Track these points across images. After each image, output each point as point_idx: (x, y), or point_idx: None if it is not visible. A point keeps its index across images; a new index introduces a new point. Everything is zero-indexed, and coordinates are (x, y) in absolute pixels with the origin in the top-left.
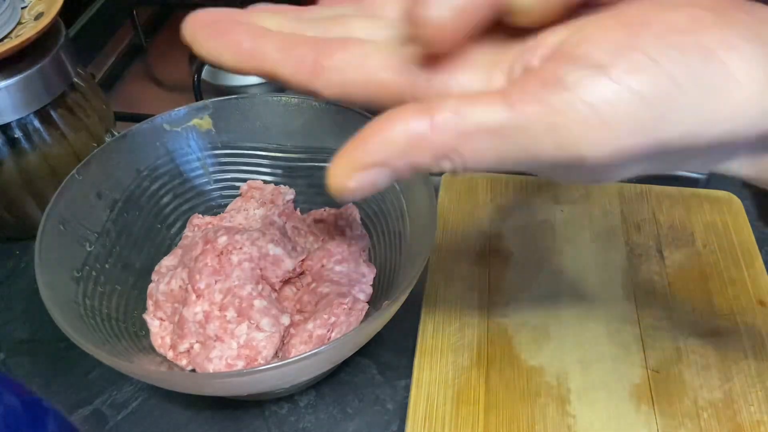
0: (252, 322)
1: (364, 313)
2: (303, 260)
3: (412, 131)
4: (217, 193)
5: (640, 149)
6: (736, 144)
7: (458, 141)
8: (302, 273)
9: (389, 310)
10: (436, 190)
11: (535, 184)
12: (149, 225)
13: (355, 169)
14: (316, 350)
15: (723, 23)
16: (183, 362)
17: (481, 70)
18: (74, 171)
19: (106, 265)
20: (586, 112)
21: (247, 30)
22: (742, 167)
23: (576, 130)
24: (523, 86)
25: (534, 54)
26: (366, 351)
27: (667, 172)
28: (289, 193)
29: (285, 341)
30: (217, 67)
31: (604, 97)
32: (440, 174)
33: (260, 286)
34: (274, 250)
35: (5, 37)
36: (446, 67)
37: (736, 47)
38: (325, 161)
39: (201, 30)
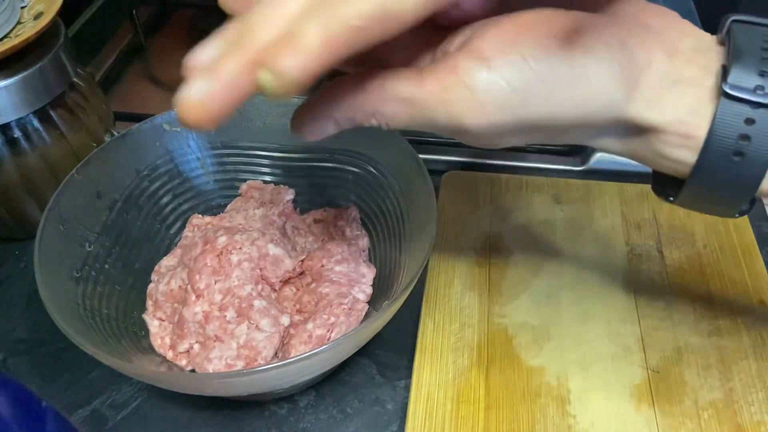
0: (252, 322)
1: (364, 313)
2: (303, 260)
3: (349, 94)
4: (216, 193)
5: (508, 125)
6: (594, 126)
7: (380, 104)
8: (302, 273)
9: (389, 310)
10: (436, 190)
11: (535, 184)
12: (149, 225)
13: (308, 118)
14: (316, 350)
15: (595, 29)
16: (183, 362)
17: (417, 50)
18: (74, 171)
19: (106, 265)
20: (467, 93)
21: None
22: (611, 145)
23: (459, 106)
24: (432, 67)
25: (452, 43)
26: (366, 351)
27: (549, 143)
28: (289, 193)
29: (285, 341)
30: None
31: (481, 83)
32: (441, 174)
33: (260, 286)
34: (274, 250)
35: (5, 36)
36: (389, 45)
37: (594, 51)
38: (325, 161)
39: None
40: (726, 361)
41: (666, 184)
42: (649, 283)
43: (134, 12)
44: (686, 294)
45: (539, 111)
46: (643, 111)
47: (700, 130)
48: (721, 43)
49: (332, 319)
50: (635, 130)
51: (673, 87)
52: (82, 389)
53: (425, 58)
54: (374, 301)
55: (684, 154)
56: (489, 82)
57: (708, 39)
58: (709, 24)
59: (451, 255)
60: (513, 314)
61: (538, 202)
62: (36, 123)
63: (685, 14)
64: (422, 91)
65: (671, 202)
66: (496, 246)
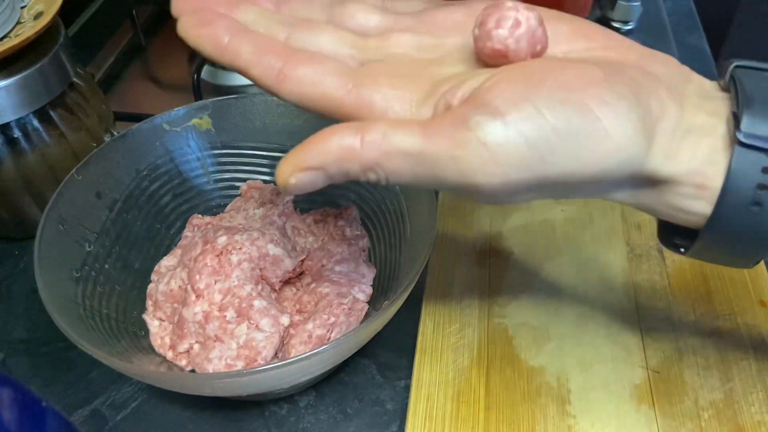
0: (252, 322)
1: (363, 313)
2: (303, 260)
3: (346, 145)
4: (216, 193)
5: (524, 182)
6: (610, 182)
7: (381, 158)
8: (302, 273)
9: (389, 310)
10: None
11: None
12: (149, 225)
13: (296, 169)
14: (315, 350)
15: (608, 82)
16: (183, 362)
17: (415, 103)
18: (74, 171)
19: (106, 265)
20: (481, 150)
21: (227, 25)
22: (622, 198)
23: (473, 163)
24: (439, 121)
25: (455, 95)
26: (366, 351)
27: (560, 199)
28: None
29: (285, 341)
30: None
31: (496, 139)
32: None
33: (260, 286)
34: (273, 250)
35: (4, 36)
36: (385, 96)
37: (611, 105)
38: None
39: (187, 16)
40: (726, 361)
41: (675, 234)
42: (649, 283)
43: (134, 12)
44: (686, 294)
45: (557, 168)
46: (660, 164)
47: (716, 180)
48: (724, 89)
49: (332, 319)
50: (649, 182)
51: (686, 136)
52: (82, 389)
53: (423, 111)
54: (374, 301)
55: (699, 206)
56: (506, 137)
57: (708, 85)
58: (709, 24)
59: (451, 255)
60: (513, 314)
61: (538, 202)
62: (36, 123)
63: (685, 15)
64: (431, 146)
65: (682, 253)
66: (496, 246)
